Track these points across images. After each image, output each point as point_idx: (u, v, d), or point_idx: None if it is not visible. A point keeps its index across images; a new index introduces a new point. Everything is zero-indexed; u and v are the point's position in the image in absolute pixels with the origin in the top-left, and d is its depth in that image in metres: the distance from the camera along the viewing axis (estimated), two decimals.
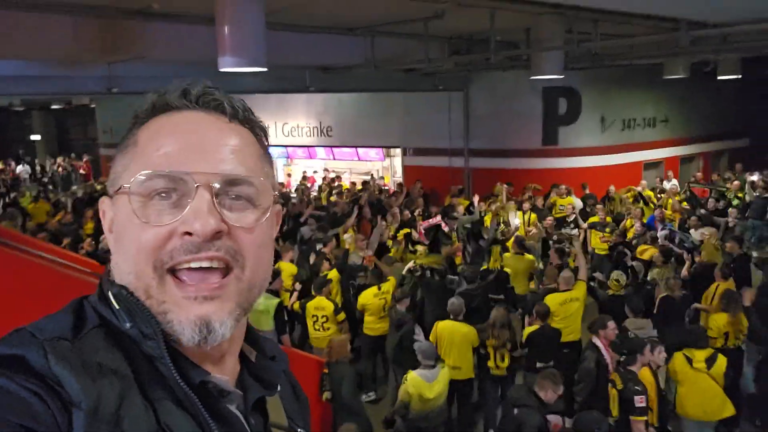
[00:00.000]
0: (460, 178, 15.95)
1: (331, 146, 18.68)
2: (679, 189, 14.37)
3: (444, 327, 7.03)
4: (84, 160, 26.32)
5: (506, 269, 9.13)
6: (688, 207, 12.81)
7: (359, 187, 16.38)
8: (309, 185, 17.46)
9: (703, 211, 12.64)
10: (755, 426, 6.94)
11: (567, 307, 7.28)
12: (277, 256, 8.41)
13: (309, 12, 8.65)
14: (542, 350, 6.90)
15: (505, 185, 13.06)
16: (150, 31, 8.82)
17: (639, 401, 5.34)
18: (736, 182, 14.40)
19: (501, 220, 11.74)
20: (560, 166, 15.26)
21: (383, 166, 18.52)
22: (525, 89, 14.58)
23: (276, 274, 7.60)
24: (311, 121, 18.38)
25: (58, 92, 14.97)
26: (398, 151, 17.56)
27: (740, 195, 13.70)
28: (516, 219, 12.12)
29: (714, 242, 9.77)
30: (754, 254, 10.20)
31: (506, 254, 9.69)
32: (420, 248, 10.21)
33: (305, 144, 18.90)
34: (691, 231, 10.93)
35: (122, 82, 10.92)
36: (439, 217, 11.67)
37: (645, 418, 5.37)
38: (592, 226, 11.58)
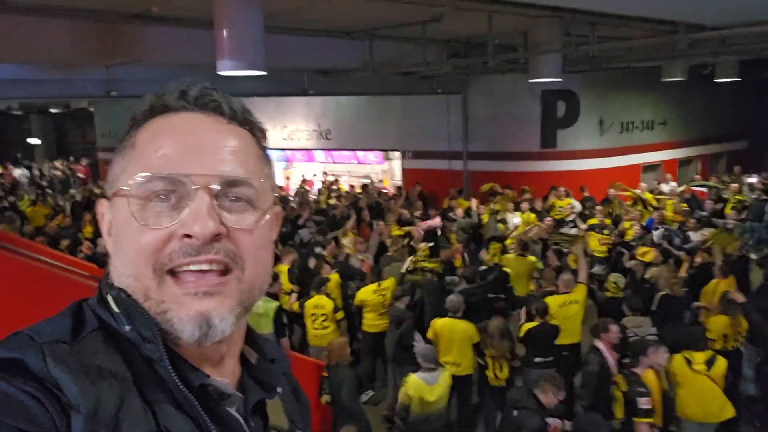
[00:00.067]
0: (459, 181, 15.96)
1: (330, 149, 18.69)
2: (678, 191, 14.38)
3: (443, 324, 7.03)
4: (82, 163, 26.30)
5: (507, 270, 9.14)
6: (687, 209, 12.82)
7: (358, 190, 16.39)
8: (308, 188, 17.47)
9: (703, 213, 12.66)
10: (755, 428, 6.94)
11: (566, 310, 7.27)
12: (277, 259, 8.40)
13: (307, 16, 8.66)
14: (541, 346, 6.91)
15: (499, 188, 13.12)
16: (148, 35, 8.83)
17: (643, 403, 5.33)
18: (734, 184, 14.42)
19: (498, 218, 11.78)
20: (559, 169, 15.27)
21: (382, 169, 18.52)
22: (523, 92, 14.60)
23: (275, 277, 7.61)
24: (310, 124, 18.40)
25: (57, 96, 14.96)
26: (397, 154, 17.57)
27: (739, 197, 13.72)
28: (516, 218, 12.14)
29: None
30: (753, 256, 10.20)
31: (508, 255, 9.67)
32: (422, 245, 10.23)
33: (304, 147, 18.91)
34: (690, 233, 10.94)
35: (121, 85, 10.93)
36: (438, 219, 11.68)
37: (649, 420, 5.36)
38: (591, 228, 11.59)
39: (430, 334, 7.13)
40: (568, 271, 8.07)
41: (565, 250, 9.74)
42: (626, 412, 5.48)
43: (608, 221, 11.86)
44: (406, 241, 10.50)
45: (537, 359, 6.89)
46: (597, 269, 9.13)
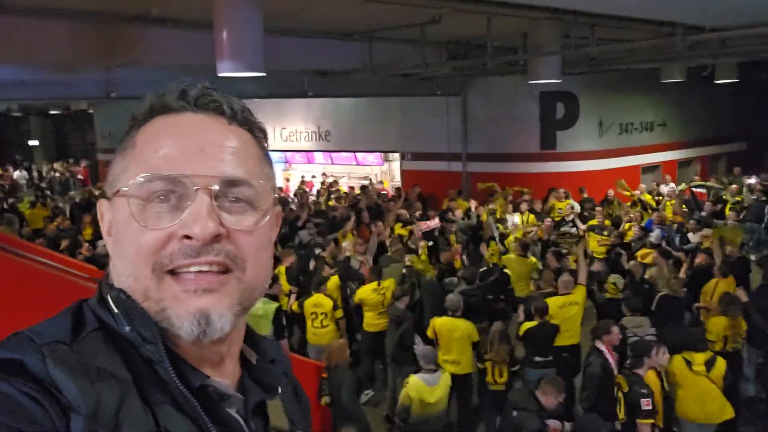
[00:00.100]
0: (459, 183, 15.97)
1: (329, 151, 18.70)
2: (677, 192, 14.39)
3: (442, 323, 7.04)
4: (82, 165, 26.31)
5: (508, 271, 9.14)
6: (687, 210, 12.82)
7: (357, 191, 16.40)
8: (307, 190, 17.48)
9: (703, 213, 12.66)
10: (755, 429, 6.94)
11: (566, 311, 7.27)
12: (276, 261, 8.40)
13: (306, 17, 8.67)
14: (540, 345, 6.92)
15: (498, 187, 13.14)
16: (148, 36, 8.84)
17: (645, 404, 5.32)
18: (733, 186, 14.44)
19: (497, 218, 11.79)
20: (558, 170, 15.29)
21: (382, 171, 18.53)
22: (523, 94, 14.61)
23: (274, 278, 7.61)
24: (309, 126, 18.41)
25: (57, 97, 14.99)
26: (397, 155, 17.58)
27: (738, 198, 13.73)
28: (515, 218, 12.15)
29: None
30: (753, 257, 10.23)
31: (509, 256, 9.65)
32: (422, 243, 10.24)
33: (303, 149, 18.92)
34: (689, 235, 10.94)
35: (120, 86, 10.95)
36: (437, 219, 11.69)
37: (651, 421, 5.35)
38: (591, 228, 11.60)
39: (429, 333, 7.14)
40: (567, 273, 8.08)
41: (564, 251, 9.73)
42: (628, 413, 5.47)
43: (608, 222, 11.87)
44: (407, 237, 10.52)
45: (537, 358, 6.91)
46: (597, 266, 9.13)
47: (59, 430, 0.72)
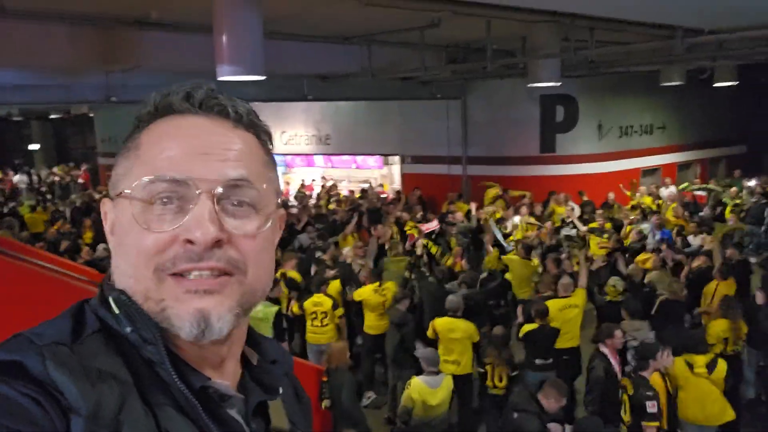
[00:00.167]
0: (459, 186, 15.98)
1: (329, 154, 18.71)
2: (675, 194, 14.41)
3: (443, 323, 7.05)
4: (82, 169, 26.31)
5: (511, 274, 9.13)
6: (687, 213, 12.83)
7: (357, 194, 16.41)
8: (307, 193, 17.48)
9: (701, 213, 12.69)
10: (755, 431, 6.94)
11: (565, 313, 7.27)
12: (277, 265, 8.39)
13: (306, 21, 8.69)
14: (541, 348, 6.91)
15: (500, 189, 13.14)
16: (148, 40, 8.85)
17: (651, 407, 5.29)
18: (733, 188, 14.44)
19: (496, 219, 11.80)
20: (558, 174, 15.29)
21: (382, 174, 18.54)
22: (522, 97, 14.63)
23: (276, 281, 7.60)
24: (309, 129, 18.42)
25: (57, 101, 14.99)
26: (396, 158, 17.59)
27: (738, 200, 13.74)
28: (516, 218, 12.14)
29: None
30: (753, 259, 10.22)
31: (512, 257, 9.60)
32: (420, 243, 10.25)
33: (303, 152, 18.93)
34: (690, 237, 10.95)
35: (121, 90, 10.96)
36: (436, 222, 11.69)
37: (657, 423, 5.32)
38: (591, 231, 11.61)
39: (429, 333, 7.14)
40: (567, 275, 8.08)
41: (563, 256, 9.69)
42: (634, 416, 5.45)
43: (608, 225, 11.87)
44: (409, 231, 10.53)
45: (537, 361, 6.91)
46: (598, 263, 9.14)
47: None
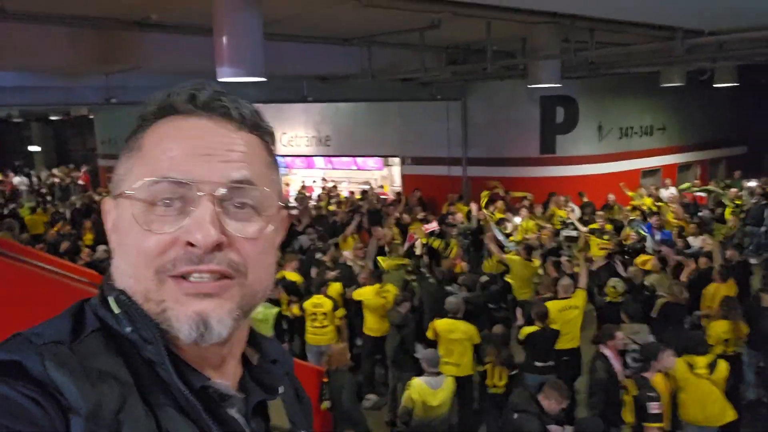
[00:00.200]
0: (459, 187, 15.98)
1: (329, 156, 18.72)
2: (677, 196, 14.40)
3: (443, 324, 7.04)
4: (82, 170, 26.32)
5: (512, 275, 9.11)
6: (687, 215, 12.82)
7: (358, 196, 16.41)
8: (308, 194, 17.48)
9: (700, 214, 12.68)
10: (756, 431, 6.94)
11: (565, 315, 7.27)
12: (278, 266, 8.38)
13: (306, 22, 8.69)
14: (541, 350, 6.91)
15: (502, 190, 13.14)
16: (148, 42, 8.86)
17: (653, 408, 5.27)
18: (733, 189, 14.44)
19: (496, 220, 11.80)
20: (558, 175, 15.30)
21: (382, 175, 18.54)
22: (522, 98, 14.64)
23: (276, 282, 7.60)
24: (309, 130, 18.43)
25: (57, 103, 15.00)
26: (397, 160, 17.60)
27: (738, 201, 13.73)
28: (516, 219, 12.14)
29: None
30: (753, 261, 10.22)
31: (514, 257, 9.58)
32: (419, 242, 10.24)
33: (304, 154, 18.94)
34: (690, 239, 10.95)
35: (121, 92, 10.96)
36: (435, 223, 11.69)
37: (660, 424, 5.31)
38: (591, 232, 11.61)
39: (429, 334, 7.13)
40: (567, 276, 8.07)
41: (563, 258, 9.67)
42: (636, 417, 5.42)
43: (609, 227, 11.86)
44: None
45: (537, 363, 6.90)
46: (598, 262, 9.16)
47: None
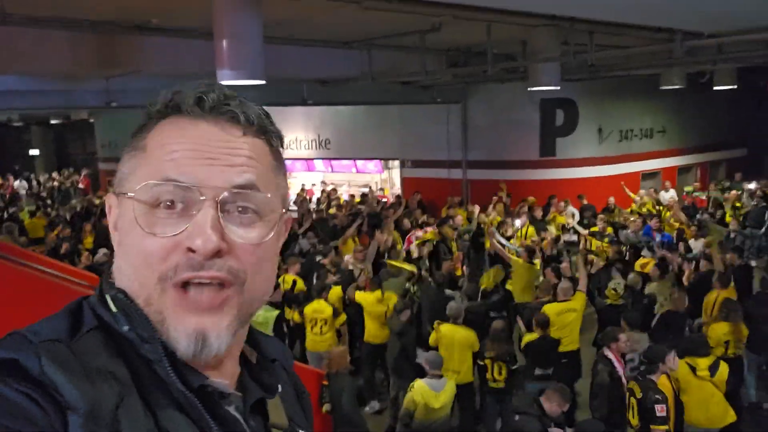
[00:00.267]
0: (459, 190, 15.98)
1: (329, 159, 18.73)
2: (677, 199, 14.40)
3: (444, 331, 7.03)
4: (83, 174, 26.35)
5: (514, 278, 9.09)
6: (686, 217, 12.80)
7: (358, 199, 16.40)
8: (308, 197, 17.48)
9: (699, 216, 12.67)
10: None
11: (563, 318, 7.26)
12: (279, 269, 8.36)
13: (306, 26, 8.70)
14: (541, 358, 6.89)
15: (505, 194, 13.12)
16: (148, 46, 8.87)
17: (659, 410, 5.23)
18: (733, 192, 14.44)
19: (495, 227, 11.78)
20: (558, 177, 15.30)
21: (382, 178, 18.55)
22: (522, 101, 14.64)
23: (276, 286, 7.58)
24: (309, 133, 18.44)
25: (57, 106, 15.03)
26: (397, 163, 17.60)
27: (738, 204, 13.72)
28: (517, 222, 12.12)
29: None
30: (753, 263, 10.20)
31: (517, 259, 9.56)
32: (419, 241, 10.23)
33: (304, 157, 18.94)
34: (691, 241, 10.94)
35: (121, 96, 10.98)
36: (429, 229, 11.66)
37: (666, 427, 5.28)
38: (592, 235, 11.60)
39: (431, 342, 7.12)
40: (567, 279, 8.06)
41: (564, 265, 9.62)
42: (642, 420, 5.39)
43: (610, 230, 11.85)
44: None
45: (537, 371, 6.86)
46: (598, 263, 9.14)
47: (58, 430, 0.71)
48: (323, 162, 18.99)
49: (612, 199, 14.19)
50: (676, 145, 17.81)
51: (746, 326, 7.08)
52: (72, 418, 0.72)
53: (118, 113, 15.50)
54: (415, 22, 8.53)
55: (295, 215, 13.55)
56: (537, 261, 9.63)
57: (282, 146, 0.96)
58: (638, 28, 8.78)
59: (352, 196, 17.21)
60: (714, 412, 5.89)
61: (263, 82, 6.70)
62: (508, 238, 11.16)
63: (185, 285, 0.83)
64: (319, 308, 7.79)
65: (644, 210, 13.54)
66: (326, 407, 6.14)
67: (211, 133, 0.87)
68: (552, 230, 12.09)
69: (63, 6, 7.28)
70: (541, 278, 9.34)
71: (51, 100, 11.96)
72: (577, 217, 13.14)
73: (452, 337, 6.97)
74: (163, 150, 0.85)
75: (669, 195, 14.85)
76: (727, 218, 12.78)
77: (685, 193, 15.03)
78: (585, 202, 14.08)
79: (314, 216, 13.41)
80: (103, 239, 11.00)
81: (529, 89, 10.86)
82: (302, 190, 18.26)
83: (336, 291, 8.35)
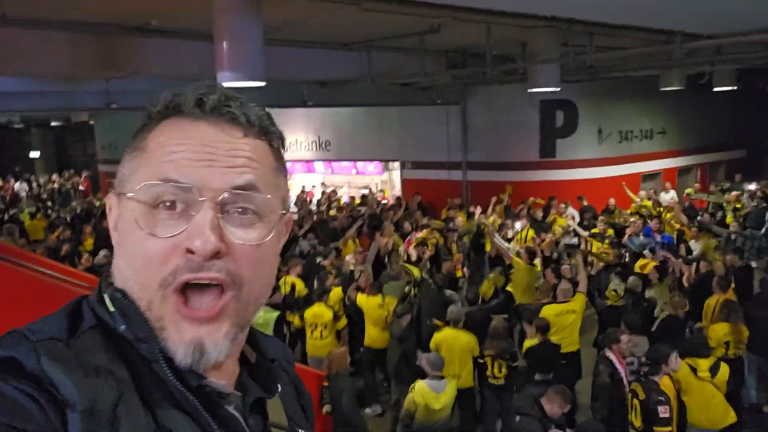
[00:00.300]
0: (459, 191, 15.98)
1: (329, 160, 18.74)
2: (677, 200, 14.38)
3: (444, 335, 7.02)
4: (83, 176, 26.35)
5: (515, 279, 9.08)
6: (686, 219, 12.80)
7: (358, 201, 16.39)
8: (308, 199, 17.49)
9: (699, 218, 12.66)
10: None
11: (563, 319, 7.26)
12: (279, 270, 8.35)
13: (306, 27, 8.71)
14: (541, 363, 6.88)
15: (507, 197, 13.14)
16: (148, 47, 8.88)
17: (663, 412, 5.23)
18: (733, 193, 14.43)
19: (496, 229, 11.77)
20: (558, 179, 15.30)
21: (382, 180, 18.55)
22: (522, 102, 14.64)
23: (276, 287, 7.59)
24: (309, 135, 18.44)
25: (57, 108, 15.03)
26: (397, 164, 17.60)
27: (737, 205, 13.71)
28: (517, 224, 12.11)
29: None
30: (754, 264, 10.19)
31: (520, 262, 9.54)
32: (418, 242, 10.22)
33: (304, 158, 18.95)
34: (691, 243, 10.94)
35: (121, 97, 10.99)
36: (424, 232, 11.65)
37: (669, 428, 5.27)
38: (593, 236, 11.60)
39: (432, 346, 7.11)
40: (567, 281, 8.06)
41: (564, 268, 9.61)
42: (645, 421, 5.38)
43: (611, 231, 11.84)
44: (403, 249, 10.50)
45: (537, 377, 6.83)
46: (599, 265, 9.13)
47: (57, 428, 0.72)
48: (323, 164, 18.99)
49: (612, 201, 14.19)
50: (675, 147, 17.82)
51: (747, 327, 7.08)
52: (71, 416, 0.73)
53: (118, 115, 15.49)
54: (414, 24, 8.54)
55: (295, 217, 13.55)
56: (537, 262, 9.62)
57: (283, 147, 0.96)
58: (637, 30, 8.79)
59: (353, 197, 17.21)
60: (714, 413, 5.90)
61: (263, 83, 6.71)
62: (509, 241, 11.15)
63: (185, 288, 0.83)
64: (319, 312, 7.78)
65: (643, 210, 13.53)
66: (326, 408, 6.14)
67: (212, 134, 0.86)
68: (555, 232, 12.08)
69: (63, 7, 7.29)
70: (542, 280, 9.34)
71: (51, 102, 11.97)
72: (578, 219, 13.14)
73: (453, 341, 6.95)
74: (163, 151, 0.85)
75: (669, 196, 14.84)
76: (728, 219, 12.77)
77: (685, 195, 15.02)
78: (585, 203, 14.07)
79: (314, 218, 13.40)
80: (104, 241, 11.00)
81: (528, 91, 10.87)
82: (302, 191, 18.26)
83: (336, 292, 8.34)
